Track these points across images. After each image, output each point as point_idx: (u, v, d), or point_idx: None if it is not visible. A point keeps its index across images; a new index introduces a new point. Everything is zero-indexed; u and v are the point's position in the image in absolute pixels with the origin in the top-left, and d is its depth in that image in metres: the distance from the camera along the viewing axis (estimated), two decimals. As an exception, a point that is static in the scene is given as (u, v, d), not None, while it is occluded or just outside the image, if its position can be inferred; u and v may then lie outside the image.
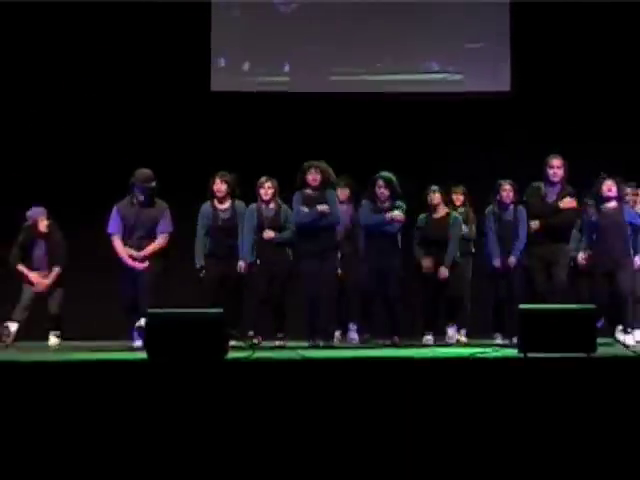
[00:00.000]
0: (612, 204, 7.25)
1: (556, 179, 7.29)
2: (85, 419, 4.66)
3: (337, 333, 7.91)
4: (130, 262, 7.11)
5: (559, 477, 4.64)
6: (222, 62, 10.30)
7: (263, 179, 7.57)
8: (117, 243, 7.19)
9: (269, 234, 7.38)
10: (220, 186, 7.59)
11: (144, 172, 7.20)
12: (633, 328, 7.25)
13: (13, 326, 7.84)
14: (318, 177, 7.28)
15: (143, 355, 5.07)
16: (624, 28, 10.21)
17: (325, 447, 4.66)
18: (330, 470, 4.64)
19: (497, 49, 10.45)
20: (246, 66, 10.32)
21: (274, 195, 7.52)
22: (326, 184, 7.33)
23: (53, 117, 10.24)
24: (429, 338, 7.62)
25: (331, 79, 10.25)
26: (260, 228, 7.43)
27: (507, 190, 7.53)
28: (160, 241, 7.24)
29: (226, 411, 4.67)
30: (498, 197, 7.60)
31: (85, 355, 5.93)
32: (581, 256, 7.50)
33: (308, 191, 7.31)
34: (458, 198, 8.29)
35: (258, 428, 4.65)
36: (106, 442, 4.62)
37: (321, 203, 7.21)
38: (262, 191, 7.52)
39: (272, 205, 7.51)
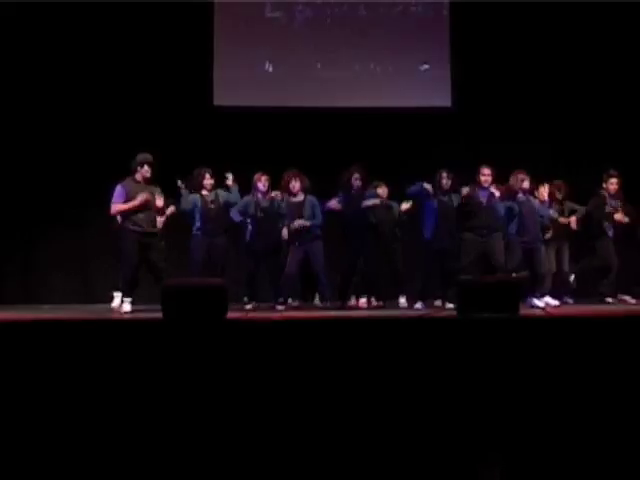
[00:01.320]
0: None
1: (486, 185, 8.54)
2: (110, 372, 5.47)
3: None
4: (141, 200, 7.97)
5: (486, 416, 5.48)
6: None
7: (259, 173, 8.78)
8: (121, 206, 7.97)
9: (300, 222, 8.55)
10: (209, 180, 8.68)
11: (145, 154, 8.19)
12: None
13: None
14: (297, 185, 8.57)
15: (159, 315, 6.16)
16: (556, 49, 11.20)
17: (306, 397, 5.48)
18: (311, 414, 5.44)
19: (439, 67, 11.28)
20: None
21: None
22: (305, 190, 8.62)
23: (56, 130, 10.82)
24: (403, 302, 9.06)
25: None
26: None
27: (444, 178, 8.67)
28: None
29: (226, 362, 5.60)
30: (439, 185, 8.73)
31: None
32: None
33: (292, 199, 8.62)
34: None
35: (252, 377, 5.52)
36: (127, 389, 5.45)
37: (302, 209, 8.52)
38: (260, 184, 8.74)
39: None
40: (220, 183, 8.84)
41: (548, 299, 8.69)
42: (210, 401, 5.46)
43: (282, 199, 8.65)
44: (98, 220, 9.58)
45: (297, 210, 8.54)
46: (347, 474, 5.23)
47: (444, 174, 8.60)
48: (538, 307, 8.32)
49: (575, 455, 5.27)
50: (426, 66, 10.29)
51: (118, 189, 8.01)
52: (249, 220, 8.73)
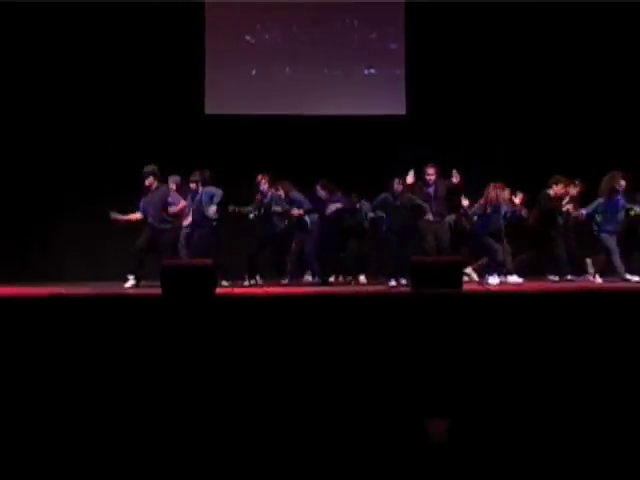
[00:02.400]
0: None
1: (431, 182, 9.87)
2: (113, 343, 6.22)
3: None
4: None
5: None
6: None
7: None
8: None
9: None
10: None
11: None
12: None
13: None
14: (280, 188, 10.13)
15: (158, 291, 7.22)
16: (509, 55, 11.87)
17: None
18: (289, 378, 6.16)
19: (394, 77, 12.00)
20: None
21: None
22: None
23: (48, 134, 11.54)
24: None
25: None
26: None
27: (396, 183, 10.01)
28: None
29: (214, 331, 6.38)
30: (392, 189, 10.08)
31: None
32: None
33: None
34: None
35: (237, 345, 6.29)
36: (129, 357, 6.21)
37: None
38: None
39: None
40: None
41: (513, 277, 9.96)
42: (201, 367, 6.21)
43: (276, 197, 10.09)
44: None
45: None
46: (318, 431, 5.79)
47: (396, 180, 9.93)
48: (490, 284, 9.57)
49: (512, 409, 5.92)
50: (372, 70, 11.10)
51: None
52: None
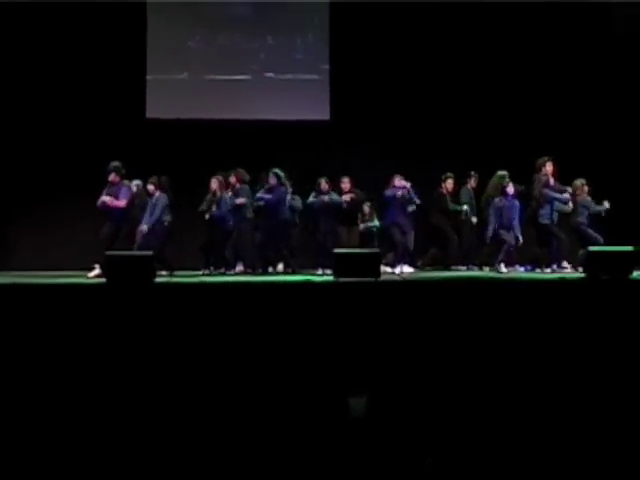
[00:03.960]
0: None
1: (346, 190, 10.89)
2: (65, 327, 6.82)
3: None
4: None
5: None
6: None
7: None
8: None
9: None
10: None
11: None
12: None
13: None
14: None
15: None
16: (431, 63, 12.19)
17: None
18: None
19: (319, 82, 12.27)
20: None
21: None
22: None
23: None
24: None
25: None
26: None
27: (323, 183, 10.76)
28: None
29: (153, 316, 7.04)
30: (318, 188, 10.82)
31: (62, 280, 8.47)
32: None
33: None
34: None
35: (173, 328, 6.93)
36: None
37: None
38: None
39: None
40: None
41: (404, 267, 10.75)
42: (140, 349, 6.76)
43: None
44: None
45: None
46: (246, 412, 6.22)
47: (322, 180, 10.69)
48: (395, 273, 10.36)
49: (424, 385, 6.48)
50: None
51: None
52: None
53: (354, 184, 10.93)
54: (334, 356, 6.77)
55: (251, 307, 7.13)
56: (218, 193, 10.45)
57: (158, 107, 12.21)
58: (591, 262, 8.35)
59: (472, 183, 11.41)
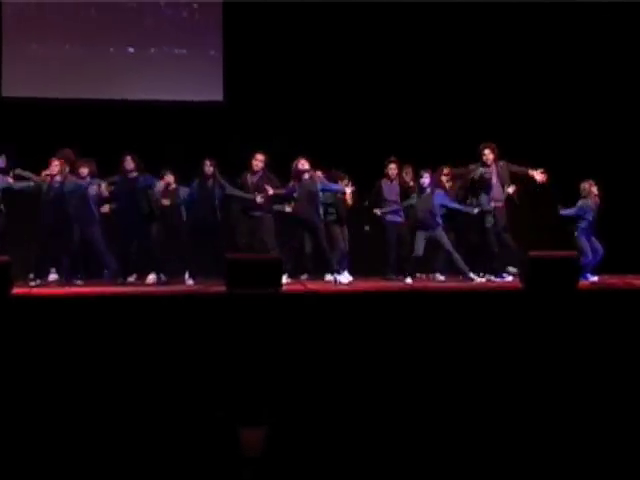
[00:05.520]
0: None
1: (257, 169, 9.58)
2: None
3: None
4: None
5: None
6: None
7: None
8: None
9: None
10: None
11: None
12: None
13: None
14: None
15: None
16: (334, 43, 11.62)
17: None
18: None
19: (212, 63, 11.60)
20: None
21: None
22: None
23: None
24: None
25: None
26: None
27: (207, 165, 9.32)
28: None
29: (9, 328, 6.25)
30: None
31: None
32: None
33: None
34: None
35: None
36: None
37: None
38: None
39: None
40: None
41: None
42: None
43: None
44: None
45: None
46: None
47: (207, 162, 9.34)
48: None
49: (333, 413, 5.99)
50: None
51: None
52: None
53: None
54: (225, 380, 6.17)
55: (121, 322, 6.44)
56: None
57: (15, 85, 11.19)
58: (531, 271, 7.31)
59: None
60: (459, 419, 6.01)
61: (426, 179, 9.42)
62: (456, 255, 9.17)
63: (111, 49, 11.43)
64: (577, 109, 11.81)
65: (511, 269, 9.45)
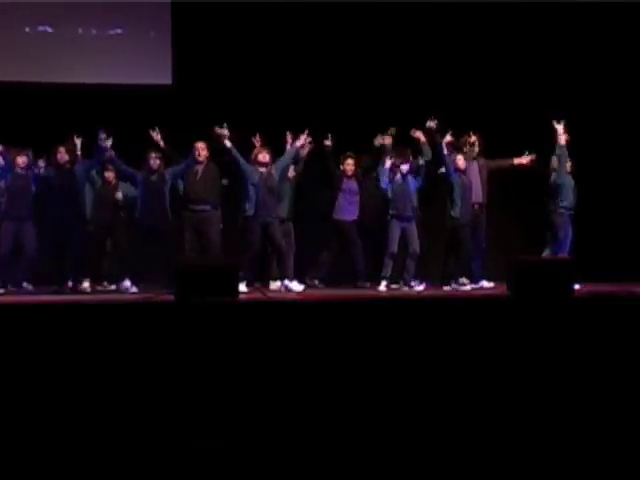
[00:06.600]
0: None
1: (200, 158, 9.25)
2: None
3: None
4: None
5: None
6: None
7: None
8: None
9: None
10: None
11: None
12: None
13: None
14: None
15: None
16: (288, 22, 11.19)
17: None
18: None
19: (160, 44, 11.17)
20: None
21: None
22: None
23: None
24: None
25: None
26: None
27: (152, 158, 9.06)
28: None
29: None
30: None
31: None
32: None
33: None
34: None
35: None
36: None
37: None
38: None
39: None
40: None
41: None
42: None
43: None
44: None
45: None
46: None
47: (152, 154, 9.08)
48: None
49: (300, 421, 5.53)
50: None
51: None
52: None
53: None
54: (176, 393, 5.65)
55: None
56: None
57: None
58: (518, 276, 6.67)
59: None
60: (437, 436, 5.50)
61: (405, 166, 9.27)
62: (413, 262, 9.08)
63: (49, 28, 10.97)
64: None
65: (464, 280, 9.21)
